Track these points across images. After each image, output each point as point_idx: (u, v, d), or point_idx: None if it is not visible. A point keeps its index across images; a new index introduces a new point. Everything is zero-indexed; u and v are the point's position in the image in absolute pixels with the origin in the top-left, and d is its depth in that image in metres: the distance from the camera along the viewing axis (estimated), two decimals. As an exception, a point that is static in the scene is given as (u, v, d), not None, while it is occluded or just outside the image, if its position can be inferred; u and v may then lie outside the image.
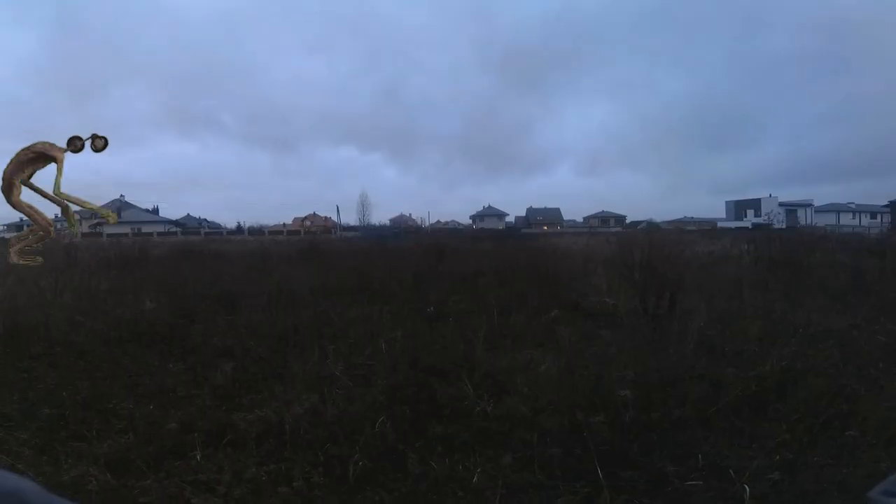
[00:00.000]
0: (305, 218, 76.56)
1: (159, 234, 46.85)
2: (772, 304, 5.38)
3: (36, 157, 5.17)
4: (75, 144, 5.23)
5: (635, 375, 3.74)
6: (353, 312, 6.22)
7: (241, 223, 65.22)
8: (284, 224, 70.89)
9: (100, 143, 5.43)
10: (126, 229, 48.51)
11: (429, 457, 2.64)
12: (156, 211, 70.90)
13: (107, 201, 68.42)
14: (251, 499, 2.35)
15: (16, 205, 5.25)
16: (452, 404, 3.36)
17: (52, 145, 5.16)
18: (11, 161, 5.07)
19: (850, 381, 3.51)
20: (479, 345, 4.73)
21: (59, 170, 5.07)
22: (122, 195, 70.09)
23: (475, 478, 2.43)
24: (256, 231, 54.90)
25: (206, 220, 76.22)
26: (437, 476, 2.48)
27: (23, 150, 5.07)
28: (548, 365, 4.15)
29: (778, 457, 2.55)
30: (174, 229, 58.30)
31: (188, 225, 67.16)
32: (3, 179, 5.07)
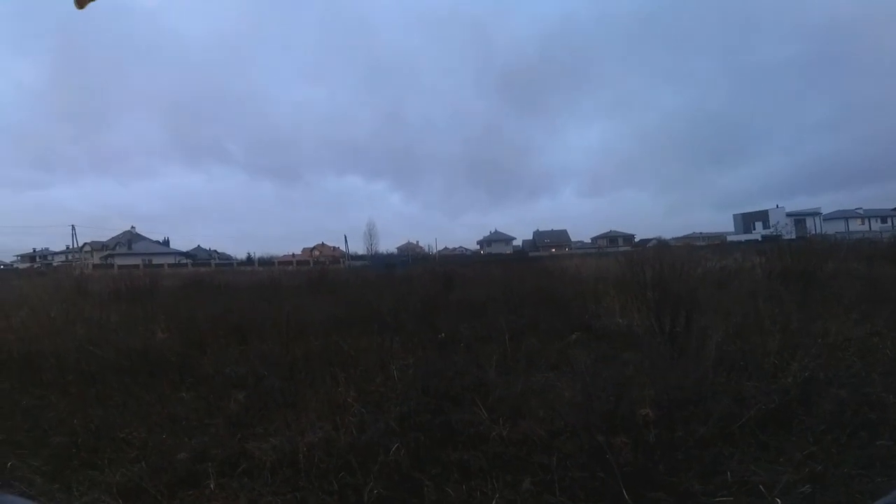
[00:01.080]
0: (314, 248, 77.25)
1: (170, 265, 47.34)
2: (788, 317, 5.27)
3: None
4: None
5: (655, 394, 3.65)
6: (363, 341, 6.19)
7: (252, 254, 65.80)
8: (294, 254, 71.52)
9: None
10: (137, 261, 49.16)
11: (445, 483, 2.58)
12: (166, 243, 71.86)
13: (117, 233, 69.70)
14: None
15: None
16: (467, 430, 3.29)
17: None
18: None
19: (875, 390, 3.41)
20: (492, 370, 4.67)
21: None
22: (132, 226, 71.09)
23: (494, 503, 2.36)
24: (266, 262, 55.25)
25: (216, 251, 77.00)
26: (455, 503, 2.40)
27: None
28: (563, 387, 4.07)
29: (807, 469, 2.47)
30: (185, 261, 58.88)
31: (199, 256, 67.74)
32: None
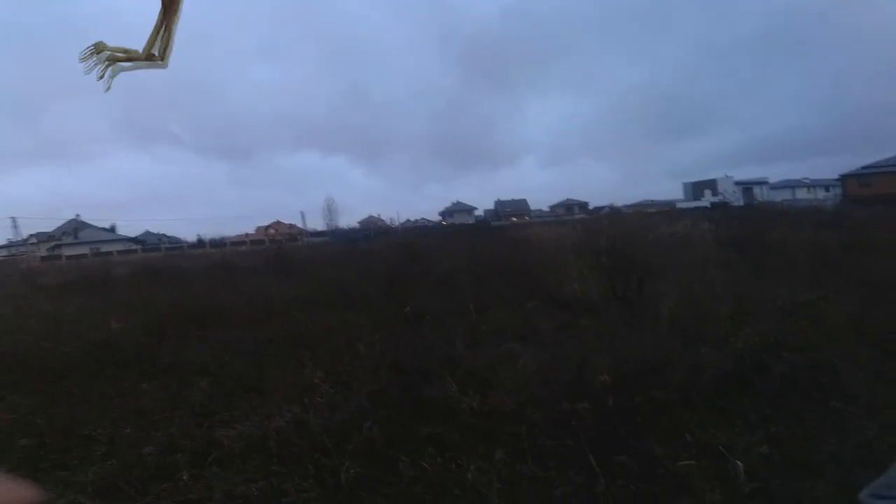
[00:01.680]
0: (269, 226, 74.41)
1: (119, 252, 44.91)
2: (739, 282, 5.50)
3: None
4: None
5: (614, 361, 3.81)
6: (328, 319, 6.09)
7: (202, 237, 63.32)
8: (247, 234, 68.78)
9: None
10: (85, 250, 46.43)
11: (420, 458, 2.61)
12: (113, 230, 67.92)
13: (62, 222, 64.76)
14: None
15: None
16: (438, 404, 3.34)
17: None
18: None
19: (825, 355, 3.60)
20: (460, 342, 4.73)
21: None
22: (77, 214, 66.70)
23: (470, 475, 2.42)
24: (218, 243, 53.11)
25: (165, 235, 73.59)
26: (431, 477, 2.46)
27: None
28: (529, 357, 4.19)
29: (764, 432, 2.61)
30: (134, 247, 56.06)
31: (147, 242, 64.80)
32: None
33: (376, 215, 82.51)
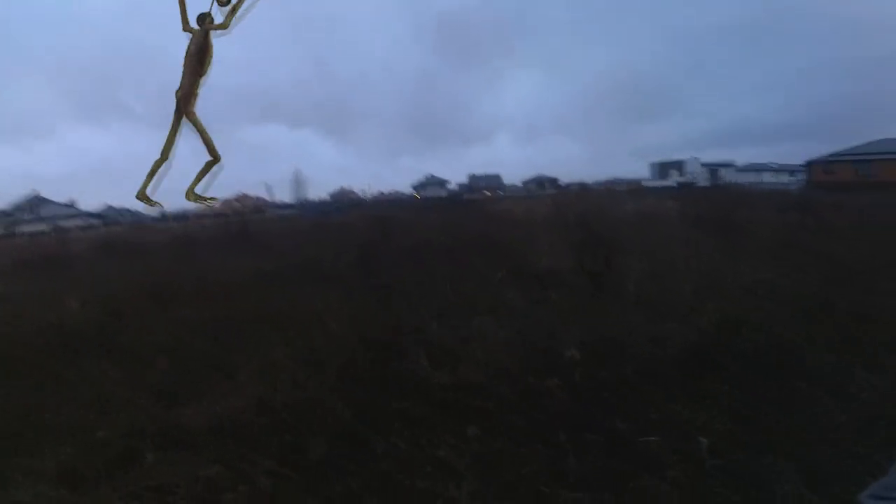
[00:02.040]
0: (235, 199, 71.48)
1: (80, 228, 42.59)
2: (703, 259, 5.57)
3: (198, 57, 4.48)
4: (208, 17, 4.64)
5: (582, 335, 3.84)
6: (295, 295, 5.93)
7: (164, 210, 60.56)
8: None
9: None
10: (44, 226, 43.76)
11: (390, 435, 2.60)
12: (73, 205, 64.17)
13: (18, 199, 60.40)
14: (211, 497, 2.21)
15: (192, 116, 4.57)
16: (408, 378, 3.32)
17: (195, 31, 4.50)
18: (184, 73, 4.42)
19: (786, 332, 3.69)
20: (431, 316, 4.70)
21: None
22: (35, 190, 62.35)
23: (441, 452, 2.42)
24: (181, 217, 50.98)
25: (127, 210, 70.17)
26: (402, 453, 2.45)
27: (186, 57, 4.41)
28: (499, 331, 4.20)
29: (728, 409, 2.67)
30: (95, 222, 53.24)
31: (109, 217, 61.64)
32: (182, 89, 4.38)
33: (348, 188, 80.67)
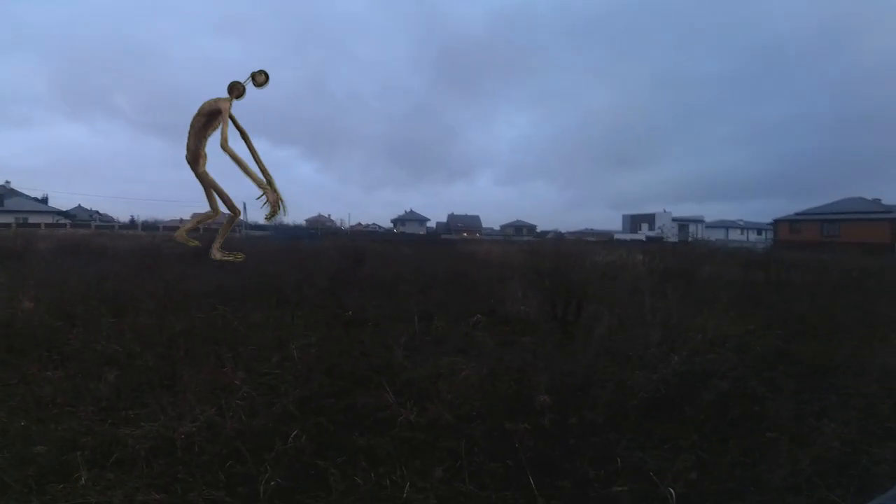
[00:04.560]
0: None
1: (47, 225, 40.62)
2: (670, 312, 5.75)
3: (207, 119, 4.70)
4: (237, 90, 4.81)
5: (550, 380, 3.83)
6: (257, 317, 5.69)
7: (135, 217, 59.30)
8: (182, 220, 64.08)
9: (261, 79, 4.86)
10: (10, 219, 41.48)
11: (352, 472, 2.43)
12: (45, 200, 61.62)
13: None
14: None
15: (202, 176, 4.69)
16: (374, 414, 3.17)
17: (217, 99, 4.71)
18: (190, 133, 4.61)
19: (751, 384, 3.78)
20: (400, 350, 4.58)
21: (224, 120, 4.61)
22: (6, 181, 59.64)
23: (405, 492, 2.28)
24: (151, 226, 49.37)
25: (98, 212, 68.04)
26: (363, 492, 2.28)
27: (195, 117, 4.65)
28: (469, 371, 4.12)
29: (693, 457, 2.65)
30: (63, 221, 51.03)
31: (79, 217, 59.54)
32: (189, 151, 4.57)
33: (326, 215, 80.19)
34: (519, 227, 76.13)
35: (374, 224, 79.19)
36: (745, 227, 71.47)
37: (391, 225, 77.91)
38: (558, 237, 40.44)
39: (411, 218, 78.44)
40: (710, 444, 2.84)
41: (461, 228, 71.26)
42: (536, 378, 3.89)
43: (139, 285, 7.17)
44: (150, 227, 48.99)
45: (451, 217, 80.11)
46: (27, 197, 59.30)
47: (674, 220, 67.36)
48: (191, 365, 3.79)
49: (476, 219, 79.88)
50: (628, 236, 56.43)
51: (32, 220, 47.08)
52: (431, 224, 79.21)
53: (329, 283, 8.62)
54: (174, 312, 5.53)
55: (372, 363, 4.27)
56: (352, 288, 8.35)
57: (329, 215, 79.99)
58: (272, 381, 3.75)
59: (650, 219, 69.73)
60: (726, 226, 70.34)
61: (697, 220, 67.98)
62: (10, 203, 54.46)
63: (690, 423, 3.11)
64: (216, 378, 3.57)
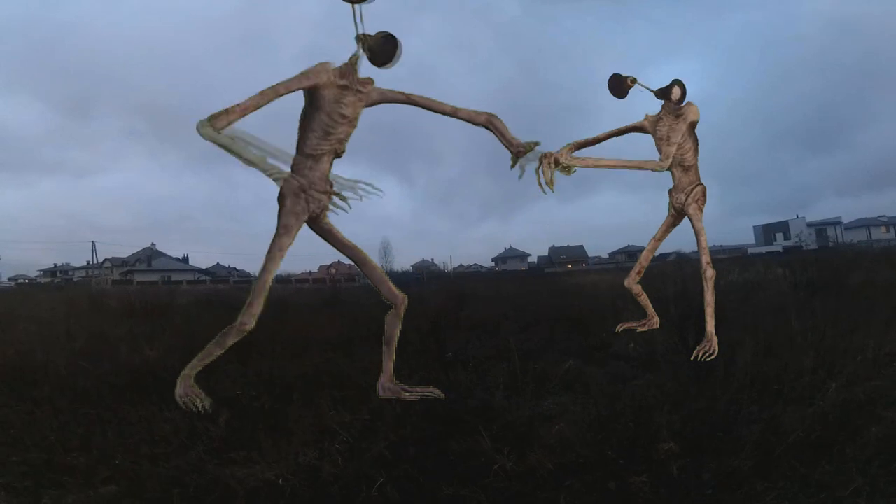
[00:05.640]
0: (330, 266, 77.51)
1: (189, 282, 47.67)
2: (821, 331, 4.82)
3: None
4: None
5: (680, 421, 3.27)
6: (365, 360, 5.90)
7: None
8: (310, 272, 71.91)
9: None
10: (156, 277, 49.39)
11: (437, 523, 2.26)
12: (186, 260, 72.73)
13: (137, 250, 70.50)
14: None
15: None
16: (467, 461, 2.96)
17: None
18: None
19: None
20: (499, 392, 4.33)
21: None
22: (152, 243, 72.46)
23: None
24: (284, 279, 56.11)
25: (235, 268, 77.64)
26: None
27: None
28: (577, 413, 3.70)
29: None
30: (204, 278, 59.29)
31: (218, 273, 68.15)
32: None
33: (429, 259, 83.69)
34: (632, 253, 70.68)
35: (475, 264, 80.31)
36: (889, 222, 58.83)
37: (492, 264, 78.24)
38: (681, 258, 36.49)
39: (511, 255, 78.03)
40: (876, 489, 2.29)
41: (565, 260, 68.57)
42: (661, 420, 3.34)
43: (267, 334, 8.00)
44: (284, 280, 55.58)
45: (553, 250, 77.74)
46: (170, 257, 70.23)
47: (809, 224, 58.25)
48: (301, 408, 3.98)
49: (580, 249, 76.30)
50: (763, 249, 49.14)
51: (175, 277, 53.97)
52: (533, 259, 77.71)
53: (430, 326, 8.72)
54: (294, 359, 5.99)
55: (469, 405, 4.08)
56: (453, 329, 8.35)
57: (433, 259, 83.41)
58: (372, 424, 3.76)
59: (783, 227, 61.11)
60: (867, 224, 58.54)
61: (835, 223, 59.72)
62: (156, 263, 64.80)
63: (853, 463, 2.52)
64: (320, 421, 3.68)
